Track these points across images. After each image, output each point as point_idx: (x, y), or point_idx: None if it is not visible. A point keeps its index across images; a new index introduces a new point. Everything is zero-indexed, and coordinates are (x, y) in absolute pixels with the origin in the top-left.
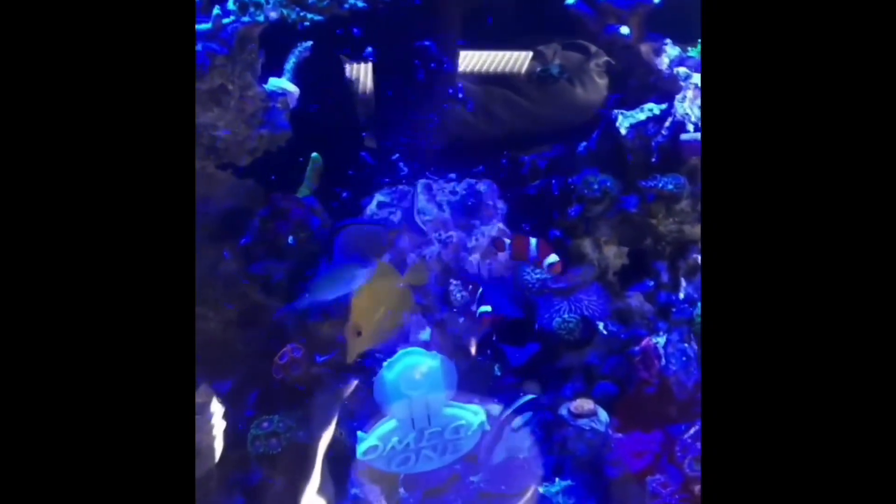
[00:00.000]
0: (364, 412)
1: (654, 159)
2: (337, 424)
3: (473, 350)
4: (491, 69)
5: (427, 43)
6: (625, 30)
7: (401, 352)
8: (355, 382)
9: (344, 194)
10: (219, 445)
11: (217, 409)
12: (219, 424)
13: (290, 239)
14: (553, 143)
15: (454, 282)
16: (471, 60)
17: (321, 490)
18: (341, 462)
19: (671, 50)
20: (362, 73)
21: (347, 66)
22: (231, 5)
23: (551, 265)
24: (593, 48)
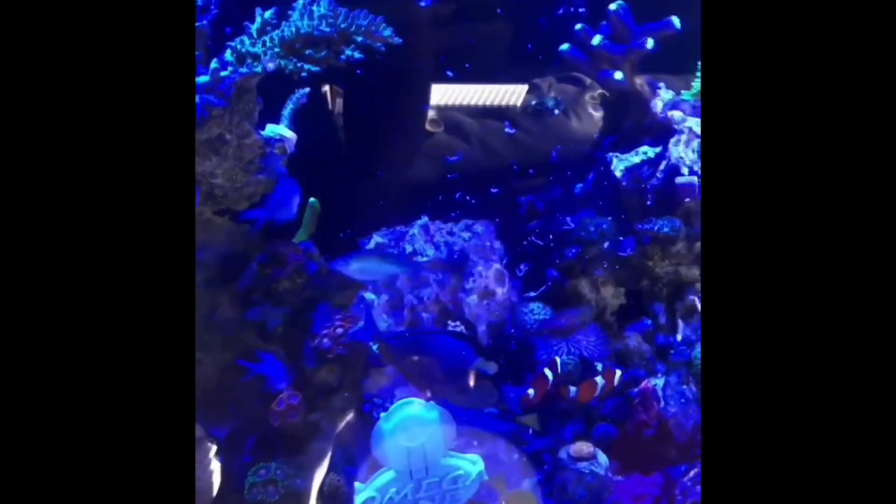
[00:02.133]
0: (362, 459)
1: (649, 202)
2: (333, 471)
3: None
4: (485, 103)
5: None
6: (618, 75)
7: (398, 402)
8: (346, 421)
9: (342, 235)
10: (214, 490)
11: (212, 452)
12: (214, 468)
13: None
14: (548, 182)
15: (452, 323)
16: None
17: None
18: None
19: (665, 94)
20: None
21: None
22: (228, 56)
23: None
24: (588, 80)
